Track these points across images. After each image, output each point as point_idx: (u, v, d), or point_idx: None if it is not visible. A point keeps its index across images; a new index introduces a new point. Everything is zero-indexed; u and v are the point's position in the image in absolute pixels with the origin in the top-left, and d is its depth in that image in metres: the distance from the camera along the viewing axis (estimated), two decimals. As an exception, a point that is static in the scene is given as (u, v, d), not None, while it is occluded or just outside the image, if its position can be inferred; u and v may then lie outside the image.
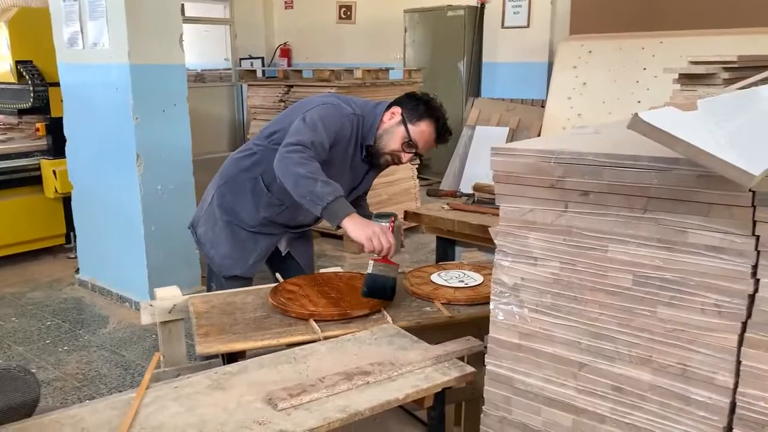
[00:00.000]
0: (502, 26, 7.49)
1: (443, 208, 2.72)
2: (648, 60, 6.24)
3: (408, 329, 1.76)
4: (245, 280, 2.36)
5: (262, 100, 5.37)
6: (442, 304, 1.88)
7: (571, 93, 6.64)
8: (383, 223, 1.95)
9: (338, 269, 2.23)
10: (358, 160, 2.26)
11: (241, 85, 10.38)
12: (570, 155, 1.20)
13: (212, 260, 2.40)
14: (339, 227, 1.96)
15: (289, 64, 10.04)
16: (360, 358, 1.54)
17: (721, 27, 5.86)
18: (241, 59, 10.24)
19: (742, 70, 2.20)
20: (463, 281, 2.02)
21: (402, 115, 2.18)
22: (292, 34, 10.09)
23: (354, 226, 1.92)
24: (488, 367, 1.38)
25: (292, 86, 5.21)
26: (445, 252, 2.73)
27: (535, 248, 1.28)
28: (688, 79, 2.29)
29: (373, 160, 2.27)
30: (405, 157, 2.21)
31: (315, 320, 1.77)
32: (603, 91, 6.45)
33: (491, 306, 1.36)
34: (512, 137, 7.06)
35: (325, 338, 1.69)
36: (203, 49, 9.44)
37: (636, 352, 1.19)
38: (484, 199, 2.69)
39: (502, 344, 1.35)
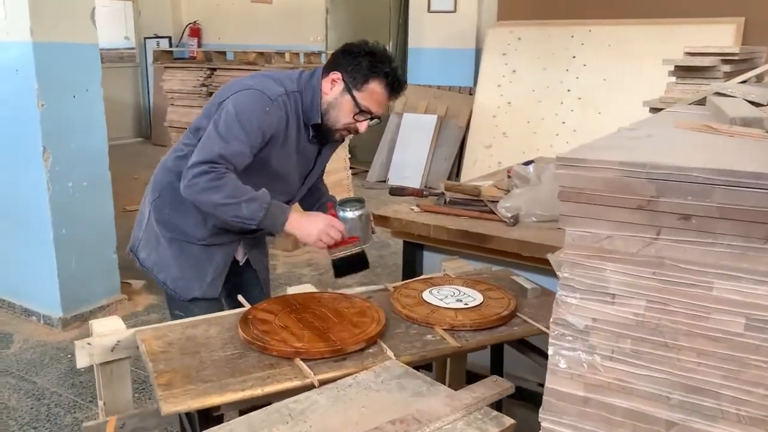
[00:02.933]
0: (429, 10, 7.28)
1: (413, 210, 2.46)
2: (577, 48, 6.22)
3: (411, 364, 1.50)
4: (211, 302, 2.01)
5: (180, 84, 4.90)
6: (444, 330, 1.63)
7: (501, 80, 6.54)
8: (339, 212, 1.85)
9: (309, 287, 1.91)
10: (304, 142, 1.92)
11: (147, 67, 9.74)
12: (668, 170, 0.96)
13: (165, 285, 2.03)
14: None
15: (200, 45, 9.42)
16: (372, 413, 1.26)
17: (648, 17, 5.90)
18: (146, 38, 9.53)
19: (738, 63, 2.08)
20: (461, 300, 1.77)
21: (344, 80, 1.83)
22: (202, 12, 9.47)
23: (300, 231, 1.78)
24: (544, 424, 1.13)
25: (215, 69, 4.76)
26: (413, 258, 2.47)
27: (614, 283, 1.04)
28: (684, 71, 2.15)
29: (326, 139, 1.96)
30: (362, 126, 1.88)
31: (302, 359, 1.47)
32: (533, 79, 6.39)
33: (549, 352, 1.11)
34: (440, 125, 6.89)
35: (320, 383, 1.39)
36: (100, 26, 8.67)
37: (746, 410, 0.97)
38: (456, 199, 2.45)
39: (563, 397, 1.11)
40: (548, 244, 2.10)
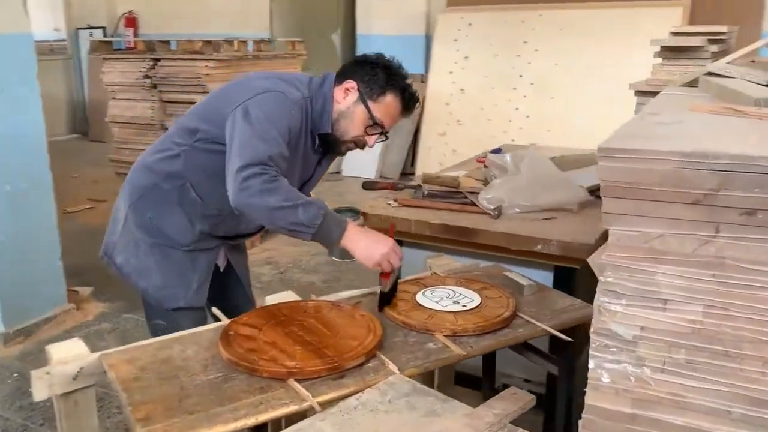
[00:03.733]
0: (376, -4, 7.11)
1: (390, 204, 2.32)
2: (528, 33, 6.17)
3: (415, 377, 1.37)
4: (197, 311, 1.84)
5: (121, 77, 4.59)
6: (445, 336, 1.50)
7: (453, 67, 6.44)
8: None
9: (291, 295, 1.75)
10: (308, 151, 1.80)
11: (80, 59, 9.24)
12: (732, 160, 0.86)
13: (146, 293, 1.85)
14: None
15: (136, 35, 9.00)
16: (386, 438, 1.12)
17: (598, 0, 5.91)
18: (78, 29, 9.04)
19: (725, 43, 2.02)
20: (458, 302, 1.65)
21: (359, 90, 1.74)
22: (138, 1, 9.04)
23: (359, 251, 1.60)
24: (586, 444, 1.02)
25: (158, 59, 4.48)
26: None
27: (666, 287, 0.93)
28: (671, 52, 2.07)
29: (332, 150, 1.84)
30: (371, 140, 1.79)
31: (296, 379, 1.31)
32: (485, 65, 6.31)
33: (590, 365, 1.00)
34: (393, 114, 6.75)
35: (320, 405, 1.25)
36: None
37: (818, 423, 0.88)
38: (435, 192, 2.33)
39: (607, 415, 0.99)
40: (537, 236, 2.01)
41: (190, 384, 1.32)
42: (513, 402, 1.22)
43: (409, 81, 1.79)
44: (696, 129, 1.09)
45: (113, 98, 4.67)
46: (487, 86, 6.30)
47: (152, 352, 1.45)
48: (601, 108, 5.51)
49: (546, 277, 2.07)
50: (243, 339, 1.45)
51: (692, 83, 1.86)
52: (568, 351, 1.67)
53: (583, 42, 5.81)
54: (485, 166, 2.53)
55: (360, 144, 1.81)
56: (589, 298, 2.35)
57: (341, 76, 1.78)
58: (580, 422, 1.04)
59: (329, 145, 1.82)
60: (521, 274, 1.84)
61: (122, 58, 4.64)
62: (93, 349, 1.47)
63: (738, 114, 1.20)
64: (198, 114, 1.80)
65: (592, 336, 0.99)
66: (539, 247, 1.97)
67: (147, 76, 4.48)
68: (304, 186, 1.88)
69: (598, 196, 2.39)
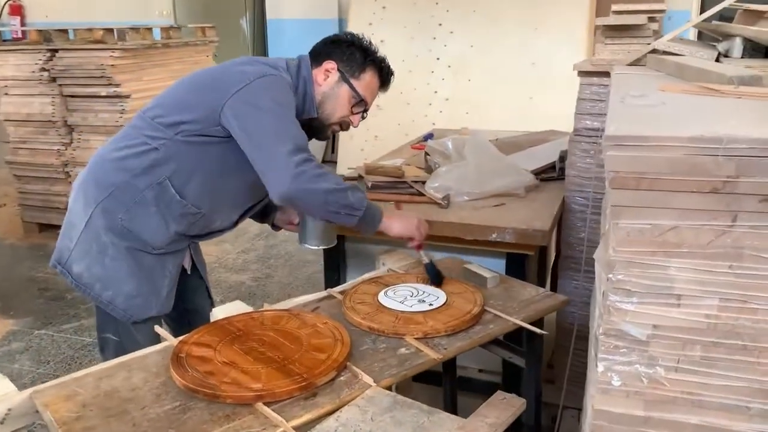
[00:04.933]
0: (285, -21, 6.88)
1: (332, 198, 2.19)
2: (443, 15, 6.15)
3: (390, 389, 1.27)
4: (154, 322, 1.68)
5: (15, 70, 4.19)
6: (416, 339, 1.41)
7: (369, 51, 6.33)
8: None
9: (240, 305, 1.60)
10: None
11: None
12: (750, 144, 0.80)
13: (110, 305, 1.67)
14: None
15: (23, 24, 8.32)
16: (377, 463, 1.02)
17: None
18: (-45, 19, 8.27)
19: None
20: (423, 300, 1.56)
21: (339, 70, 1.72)
22: (22, -13, 8.36)
23: (398, 225, 1.72)
24: (596, 452, 0.96)
25: (56, 50, 4.12)
26: (335, 255, 2.21)
27: (680, 282, 0.88)
28: (613, 31, 2.05)
29: (316, 135, 1.78)
30: (355, 119, 1.78)
31: (264, 403, 1.19)
32: (401, 49, 6.23)
33: (599, 368, 0.93)
34: (310, 101, 6.58)
35: (295, 429, 1.13)
36: None
37: (840, 414, 0.85)
38: (378, 183, 2.22)
39: (618, 419, 0.94)
40: (491, 224, 1.95)
41: (143, 419, 1.16)
42: (505, 409, 1.15)
43: (383, 55, 1.79)
44: (687, 111, 1.04)
45: (6, 94, 4.26)
46: (404, 70, 6.21)
47: (93, 383, 1.28)
48: (517, 89, 5.58)
49: (498, 265, 2.02)
50: (197, 361, 1.30)
51: (637, 62, 1.85)
52: (536, 343, 1.62)
53: (497, 24, 5.85)
54: (427, 153, 2.45)
55: (345, 125, 1.79)
56: (540, 283, 2.33)
57: (317, 58, 1.75)
58: (585, 425, 0.98)
59: (313, 131, 1.76)
60: (481, 266, 1.77)
61: (14, 50, 4.24)
62: (4, 374, 1.29)
63: (715, 93, 1.17)
64: (175, 106, 1.66)
65: (600, 338, 0.93)
66: (494, 235, 1.91)
67: (44, 69, 4.11)
68: None
69: (543, 179, 2.38)
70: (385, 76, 1.78)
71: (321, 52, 1.75)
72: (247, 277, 3.89)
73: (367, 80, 1.74)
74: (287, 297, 3.53)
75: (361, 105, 1.75)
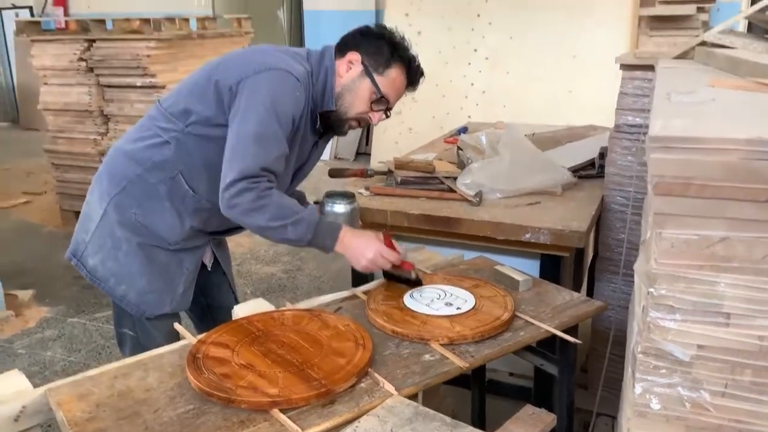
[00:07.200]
0: (323, -31, 6.84)
1: (362, 194, 2.14)
2: (481, 5, 6.02)
3: (414, 397, 1.21)
4: (173, 318, 1.66)
5: (54, 60, 4.23)
6: (442, 345, 1.34)
7: (406, 43, 6.24)
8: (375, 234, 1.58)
9: (263, 304, 1.56)
10: (308, 132, 1.66)
11: (6, 42, 8.64)
12: (815, 149, 0.72)
13: (124, 300, 1.66)
14: None
15: (66, 14, 8.46)
16: (395, 480, 0.96)
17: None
18: (1, 9, 8.45)
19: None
20: (451, 304, 1.49)
21: (363, 63, 1.62)
22: (67, -22, 8.49)
23: (349, 253, 1.55)
24: (632, 480, 0.88)
25: (93, 41, 4.14)
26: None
27: (729, 299, 0.80)
28: (659, 22, 1.94)
29: (333, 129, 1.71)
30: (375, 117, 1.67)
31: (281, 410, 1.14)
32: (438, 40, 6.14)
33: (637, 390, 0.86)
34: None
35: (311, 440, 1.08)
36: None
37: None
38: (409, 178, 2.16)
39: (657, 445, 0.86)
40: (525, 224, 1.87)
41: (155, 422, 1.13)
42: (533, 425, 1.08)
43: (414, 53, 1.67)
44: (741, 109, 0.95)
45: (45, 84, 4.31)
46: (441, 61, 6.13)
47: (107, 382, 1.25)
48: (555, 82, 5.44)
49: (532, 266, 1.94)
50: (214, 362, 1.26)
51: (684, 55, 1.74)
52: (569, 351, 1.54)
53: (537, 15, 5.70)
54: (459, 148, 2.37)
55: (363, 122, 1.70)
56: (576, 286, 2.24)
57: (342, 48, 1.66)
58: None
59: (330, 125, 1.69)
60: (513, 268, 1.70)
61: (54, 40, 4.28)
62: (36, 361, 1.27)
63: (772, 90, 1.07)
64: (187, 93, 1.61)
65: (639, 357, 0.85)
66: (528, 236, 1.83)
67: (82, 59, 4.14)
68: (298, 172, 1.75)
69: (582, 177, 2.29)
70: (413, 75, 1.67)
71: (348, 43, 1.66)
72: (278, 269, 3.87)
73: (392, 77, 1.63)
74: (316, 290, 3.54)
75: (382, 102, 1.64)
